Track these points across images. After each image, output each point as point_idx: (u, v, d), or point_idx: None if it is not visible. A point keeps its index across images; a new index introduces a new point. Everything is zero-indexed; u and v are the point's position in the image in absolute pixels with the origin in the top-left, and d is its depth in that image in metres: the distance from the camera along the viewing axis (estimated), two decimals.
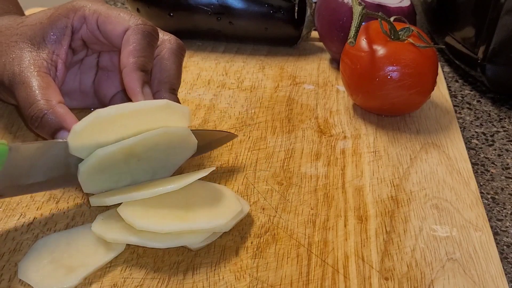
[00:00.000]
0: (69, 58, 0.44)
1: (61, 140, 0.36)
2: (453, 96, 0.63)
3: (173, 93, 0.43)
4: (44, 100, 0.39)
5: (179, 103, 0.43)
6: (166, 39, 0.44)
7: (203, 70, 0.61)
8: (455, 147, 0.49)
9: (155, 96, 0.41)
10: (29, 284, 0.34)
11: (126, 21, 0.42)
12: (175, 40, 0.45)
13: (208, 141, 0.44)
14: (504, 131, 0.56)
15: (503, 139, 0.55)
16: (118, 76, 0.47)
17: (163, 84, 0.42)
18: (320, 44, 0.68)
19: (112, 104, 0.47)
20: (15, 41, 0.42)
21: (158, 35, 0.43)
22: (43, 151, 0.36)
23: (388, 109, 0.52)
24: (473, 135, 0.55)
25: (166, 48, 0.44)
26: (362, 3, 0.50)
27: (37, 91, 0.39)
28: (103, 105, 0.49)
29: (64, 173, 0.38)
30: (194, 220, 0.36)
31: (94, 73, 0.48)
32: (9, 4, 0.51)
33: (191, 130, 0.41)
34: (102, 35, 0.43)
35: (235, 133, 0.47)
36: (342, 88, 0.58)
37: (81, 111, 0.47)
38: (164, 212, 0.36)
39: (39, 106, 0.39)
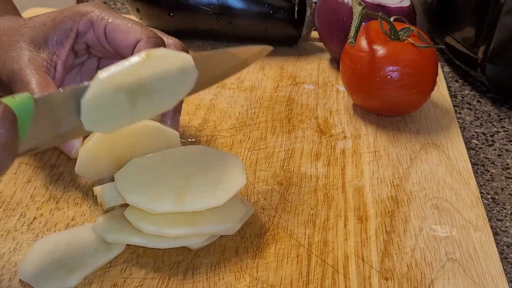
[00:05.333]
0: (71, 60, 0.44)
1: (86, 83, 0.35)
2: (453, 96, 0.63)
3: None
4: None
5: (180, 110, 0.45)
6: (170, 43, 0.44)
7: None
8: (455, 147, 0.49)
9: None
10: (29, 284, 0.34)
11: (138, 33, 0.42)
12: (179, 44, 0.45)
13: (242, 58, 0.43)
14: (504, 131, 0.56)
15: (503, 139, 0.55)
16: None
17: None
18: (320, 44, 0.68)
19: None
20: (16, 41, 0.42)
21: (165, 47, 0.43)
22: (70, 97, 0.34)
23: (388, 109, 0.52)
24: (473, 135, 0.55)
25: None
26: (362, 3, 0.50)
27: (36, 90, 0.39)
28: None
29: None
30: (202, 224, 0.35)
31: (94, 75, 0.48)
32: (7, 5, 0.51)
33: (224, 50, 0.41)
34: (109, 43, 0.44)
35: (269, 47, 0.44)
36: (342, 88, 0.58)
37: None
38: (171, 216, 0.35)
39: None
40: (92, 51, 0.46)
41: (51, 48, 0.43)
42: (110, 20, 0.43)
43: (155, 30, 0.44)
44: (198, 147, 0.40)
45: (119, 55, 0.45)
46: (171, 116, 0.43)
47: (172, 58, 0.36)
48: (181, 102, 0.45)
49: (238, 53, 0.42)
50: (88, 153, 0.38)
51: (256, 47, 0.43)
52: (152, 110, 0.36)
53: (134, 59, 0.35)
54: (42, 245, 0.37)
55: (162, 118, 0.42)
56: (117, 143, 0.38)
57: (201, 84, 0.40)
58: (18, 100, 0.31)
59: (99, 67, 0.48)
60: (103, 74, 0.34)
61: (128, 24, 0.43)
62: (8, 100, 0.30)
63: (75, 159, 0.45)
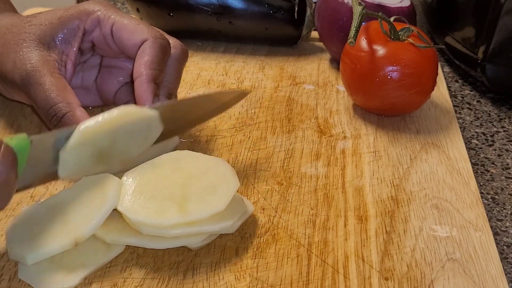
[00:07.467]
0: (78, 59, 0.45)
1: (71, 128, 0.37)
2: (453, 96, 0.63)
3: (169, 98, 0.44)
4: (65, 103, 0.40)
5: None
6: (171, 43, 0.45)
7: (203, 70, 0.61)
8: (455, 147, 0.49)
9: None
10: (29, 284, 0.34)
11: (145, 33, 0.43)
12: (179, 45, 0.45)
13: (222, 102, 0.44)
14: (504, 131, 0.56)
15: (503, 139, 0.55)
16: (123, 73, 0.48)
17: (162, 89, 0.43)
18: (320, 44, 0.68)
19: (117, 100, 0.48)
20: (23, 39, 0.42)
21: (171, 49, 0.44)
22: (61, 140, 0.36)
23: (388, 109, 0.52)
24: (473, 135, 0.55)
25: (171, 54, 0.44)
26: (362, 3, 0.50)
27: (55, 93, 0.40)
28: (106, 101, 0.49)
29: None
30: (201, 223, 0.36)
31: (96, 71, 0.49)
32: (5, 4, 0.51)
33: (203, 94, 0.42)
34: (115, 42, 0.44)
35: (248, 90, 0.47)
36: (342, 88, 0.58)
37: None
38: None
39: (60, 108, 0.40)
40: (97, 50, 0.46)
41: (60, 48, 0.43)
42: (117, 19, 0.43)
43: (160, 31, 0.45)
44: (183, 152, 0.40)
45: (124, 54, 0.45)
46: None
47: (139, 115, 0.38)
48: (180, 76, 0.46)
49: (218, 98, 0.44)
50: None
51: (235, 91, 0.46)
52: (115, 160, 0.38)
53: (107, 115, 0.37)
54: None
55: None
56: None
57: (181, 127, 0.42)
58: (16, 140, 0.33)
59: (101, 64, 0.48)
60: (83, 125, 0.36)
61: (135, 23, 0.43)
62: (7, 140, 0.32)
63: None
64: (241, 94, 0.46)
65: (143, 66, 0.41)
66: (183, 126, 0.43)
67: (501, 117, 0.59)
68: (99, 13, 0.44)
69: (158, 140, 0.40)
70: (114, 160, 0.38)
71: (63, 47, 0.43)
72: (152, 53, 0.42)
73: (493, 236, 0.40)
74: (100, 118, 0.37)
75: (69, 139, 0.36)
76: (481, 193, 0.47)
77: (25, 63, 0.41)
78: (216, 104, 0.43)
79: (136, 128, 0.38)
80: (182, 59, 0.45)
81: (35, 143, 0.34)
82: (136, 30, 0.43)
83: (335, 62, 0.64)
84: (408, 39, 0.50)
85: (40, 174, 0.36)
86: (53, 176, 0.37)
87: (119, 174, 0.39)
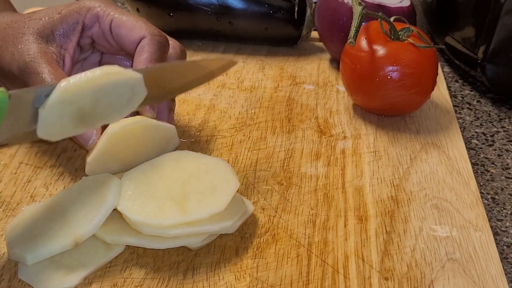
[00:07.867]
0: (77, 55, 0.45)
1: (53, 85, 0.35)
2: (453, 96, 0.62)
3: (172, 99, 0.45)
4: None
5: (174, 108, 0.45)
6: (170, 44, 0.45)
7: None
8: (455, 147, 0.49)
9: None
10: (29, 284, 0.34)
11: (143, 30, 0.43)
12: (178, 46, 0.46)
13: (208, 70, 0.43)
14: (504, 131, 0.56)
15: (503, 139, 0.55)
16: None
17: None
18: (320, 44, 0.68)
19: None
20: (23, 33, 0.42)
21: (169, 46, 0.44)
22: (41, 96, 0.34)
23: (388, 109, 0.52)
24: (473, 135, 0.55)
25: (169, 54, 0.44)
26: (362, 3, 0.50)
27: (54, 82, 0.39)
28: None
29: None
30: (201, 223, 0.36)
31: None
32: (5, 3, 0.51)
33: (190, 61, 0.41)
34: (113, 38, 0.44)
35: (235, 60, 0.45)
36: (342, 88, 0.58)
37: None
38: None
39: None
40: (97, 46, 0.46)
41: (58, 41, 0.43)
42: (116, 16, 0.44)
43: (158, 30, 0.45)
44: (183, 152, 0.41)
45: (123, 50, 0.45)
46: (167, 115, 0.43)
47: (122, 76, 0.36)
48: (174, 100, 0.46)
49: (205, 65, 0.43)
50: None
51: (222, 59, 0.45)
52: (97, 122, 0.37)
53: (89, 73, 0.35)
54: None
55: (157, 116, 0.43)
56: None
57: (167, 93, 0.41)
58: None
59: (101, 62, 0.49)
60: (64, 82, 0.34)
61: (134, 20, 0.44)
62: None
63: (75, 159, 0.45)
64: (229, 63, 0.45)
65: (142, 63, 0.42)
66: (168, 93, 0.42)
67: (501, 117, 0.59)
68: (98, 9, 0.44)
69: (142, 105, 0.39)
70: (96, 122, 0.37)
71: (62, 41, 0.43)
72: (150, 50, 0.42)
73: (493, 236, 0.40)
74: (82, 75, 0.35)
75: (49, 96, 0.34)
76: (481, 193, 0.47)
77: (23, 55, 0.41)
78: (202, 71, 0.42)
79: (119, 89, 0.37)
80: (182, 59, 0.46)
81: (13, 98, 0.32)
82: (134, 27, 0.43)
83: (335, 62, 0.64)
84: (408, 39, 0.50)
85: (18, 132, 0.34)
86: (32, 135, 0.35)
87: (119, 174, 0.39)
